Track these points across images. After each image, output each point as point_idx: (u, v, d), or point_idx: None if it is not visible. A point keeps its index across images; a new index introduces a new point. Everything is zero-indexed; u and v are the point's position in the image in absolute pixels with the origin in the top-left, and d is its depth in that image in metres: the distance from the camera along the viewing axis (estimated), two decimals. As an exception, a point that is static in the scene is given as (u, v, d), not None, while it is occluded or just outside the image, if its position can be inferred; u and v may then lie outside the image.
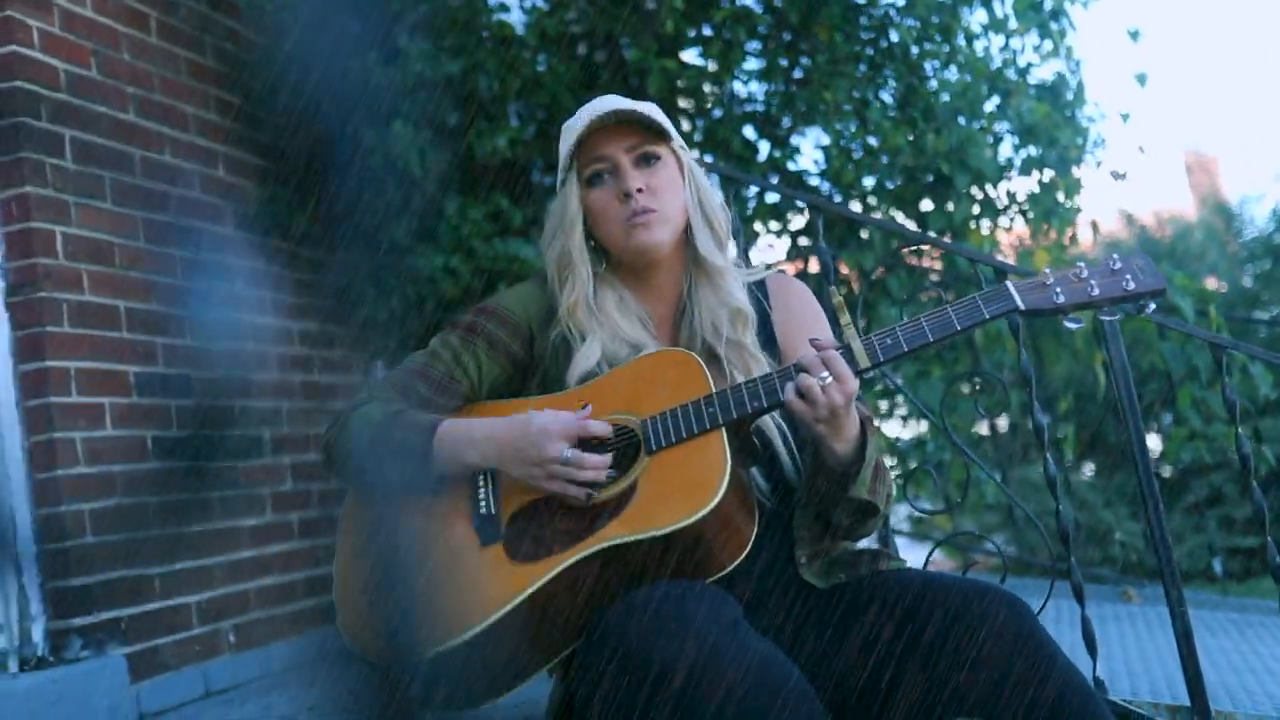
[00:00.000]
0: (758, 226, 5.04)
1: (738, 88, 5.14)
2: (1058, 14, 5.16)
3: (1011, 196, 5.11)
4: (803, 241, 5.09)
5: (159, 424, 3.66)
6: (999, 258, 4.58)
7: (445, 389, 2.23)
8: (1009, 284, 2.03)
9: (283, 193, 4.37)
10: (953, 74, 4.97)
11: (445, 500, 2.15)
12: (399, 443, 2.11)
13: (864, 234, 4.84)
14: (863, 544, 2.34)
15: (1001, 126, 5.06)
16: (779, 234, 5.14)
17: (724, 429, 2.04)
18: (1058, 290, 2.02)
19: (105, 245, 3.56)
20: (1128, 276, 2.02)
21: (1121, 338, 2.98)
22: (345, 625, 2.11)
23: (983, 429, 7.59)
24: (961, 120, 4.80)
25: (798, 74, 4.88)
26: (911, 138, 4.75)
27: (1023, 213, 5.09)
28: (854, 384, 1.99)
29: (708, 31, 4.80)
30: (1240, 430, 3.00)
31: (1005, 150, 5.15)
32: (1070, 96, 5.17)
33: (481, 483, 2.14)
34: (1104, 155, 5.49)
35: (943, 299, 3.34)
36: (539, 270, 2.37)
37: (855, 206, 4.93)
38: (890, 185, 4.85)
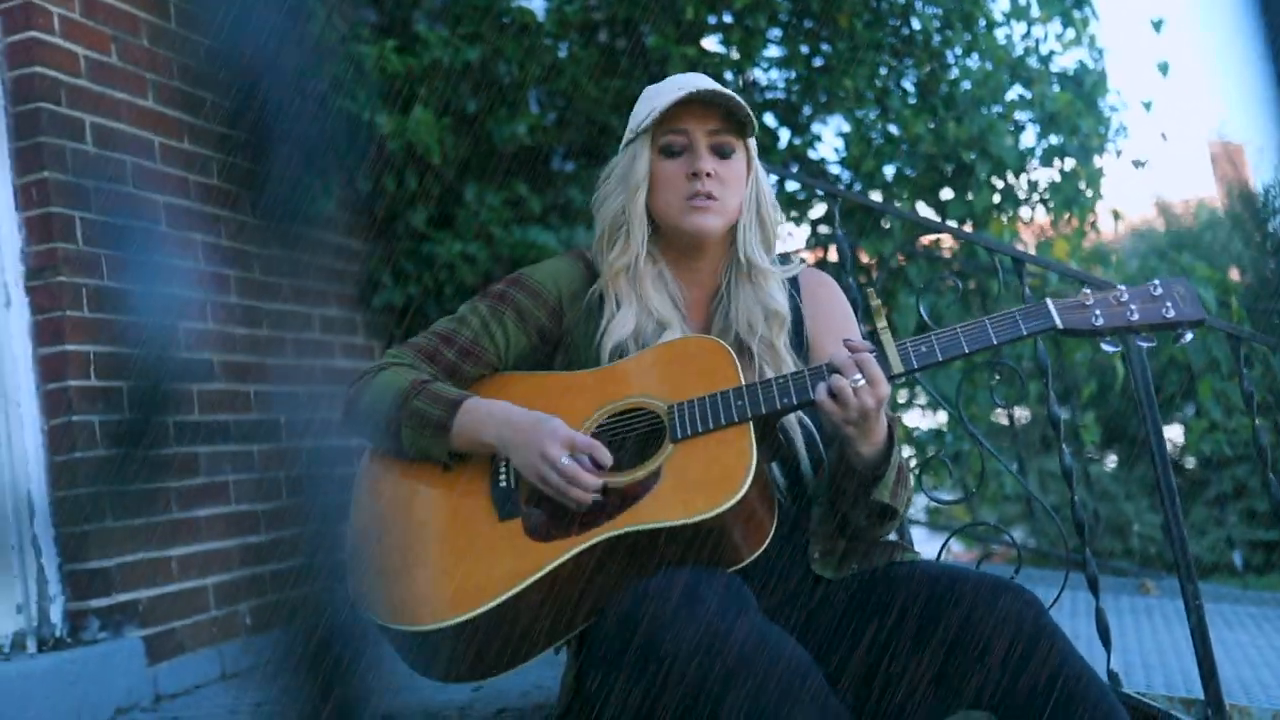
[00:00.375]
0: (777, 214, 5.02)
1: (758, 75, 5.13)
2: (1081, 2, 5.13)
3: (1032, 185, 5.08)
4: (822, 230, 5.08)
5: (179, 409, 3.67)
6: (1019, 247, 4.56)
7: (471, 355, 2.23)
8: (1049, 302, 2.04)
9: (305, 177, 4.38)
10: (974, 62, 4.95)
11: (464, 472, 2.15)
12: (419, 412, 2.11)
13: (884, 223, 4.82)
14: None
15: (1023, 115, 5.04)
16: (798, 222, 5.13)
17: (751, 423, 2.03)
18: (1097, 312, 2.02)
19: (125, 230, 3.57)
20: (1168, 304, 2.02)
21: (1149, 367, 2.98)
22: (356, 587, 2.11)
23: (1001, 419, 7.55)
24: (983, 109, 4.78)
25: (818, 62, 4.86)
26: (932, 126, 4.73)
27: (1043, 201, 5.07)
28: (886, 388, 1.99)
29: (728, 19, 4.79)
30: (1260, 422, 2.98)
31: (1027, 139, 5.13)
32: (1092, 85, 5.13)
33: (502, 457, 2.15)
34: (1127, 144, 5.47)
35: (960, 287, 3.32)
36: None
37: (875, 195, 4.91)
38: (911, 174, 4.84)
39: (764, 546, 2.04)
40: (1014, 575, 2.42)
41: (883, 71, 4.86)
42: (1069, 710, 1.88)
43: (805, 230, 5.14)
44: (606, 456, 2.04)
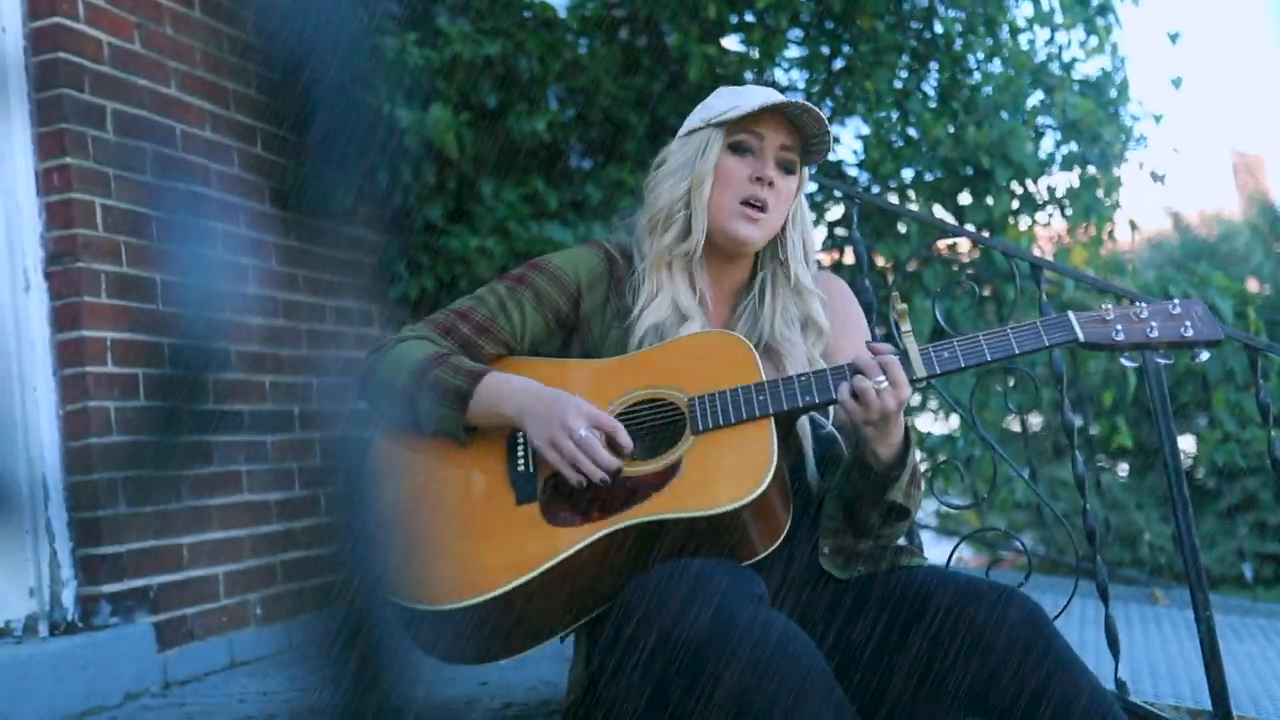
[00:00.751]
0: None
1: (778, 75, 5.13)
2: (1105, 10, 5.12)
3: (1051, 192, 5.07)
4: (839, 232, 5.08)
5: (194, 397, 3.68)
6: (1036, 253, 4.55)
7: (487, 332, 2.23)
8: (1070, 315, 2.07)
9: (321, 170, 4.39)
10: (996, 67, 4.95)
11: (482, 452, 2.16)
12: (440, 381, 2.11)
13: (901, 226, 4.82)
14: (887, 537, 2.34)
15: (1044, 121, 5.03)
16: (815, 223, 5.13)
17: (772, 419, 2.04)
18: (1118, 327, 2.06)
19: (144, 218, 3.59)
20: (1187, 323, 2.06)
21: (1165, 380, 2.98)
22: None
23: (1014, 425, 7.54)
24: (1004, 114, 4.77)
25: (839, 63, 4.86)
26: (952, 130, 4.72)
27: (1061, 209, 5.06)
28: (908, 390, 2.01)
29: (750, 18, 4.79)
30: (1275, 434, 2.97)
31: (1046, 145, 5.12)
32: (1114, 93, 5.13)
33: (520, 438, 2.14)
34: (1146, 155, 5.49)
35: (976, 292, 3.32)
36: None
37: (893, 198, 4.91)
38: (929, 177, 4.83)
39: (778, 542, 2.04)
40: (1023, 582, 2.42)
41: (904, 74, 4.86)
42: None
43: (822, 232, 5.14)
44: (627, 440, 2.05)
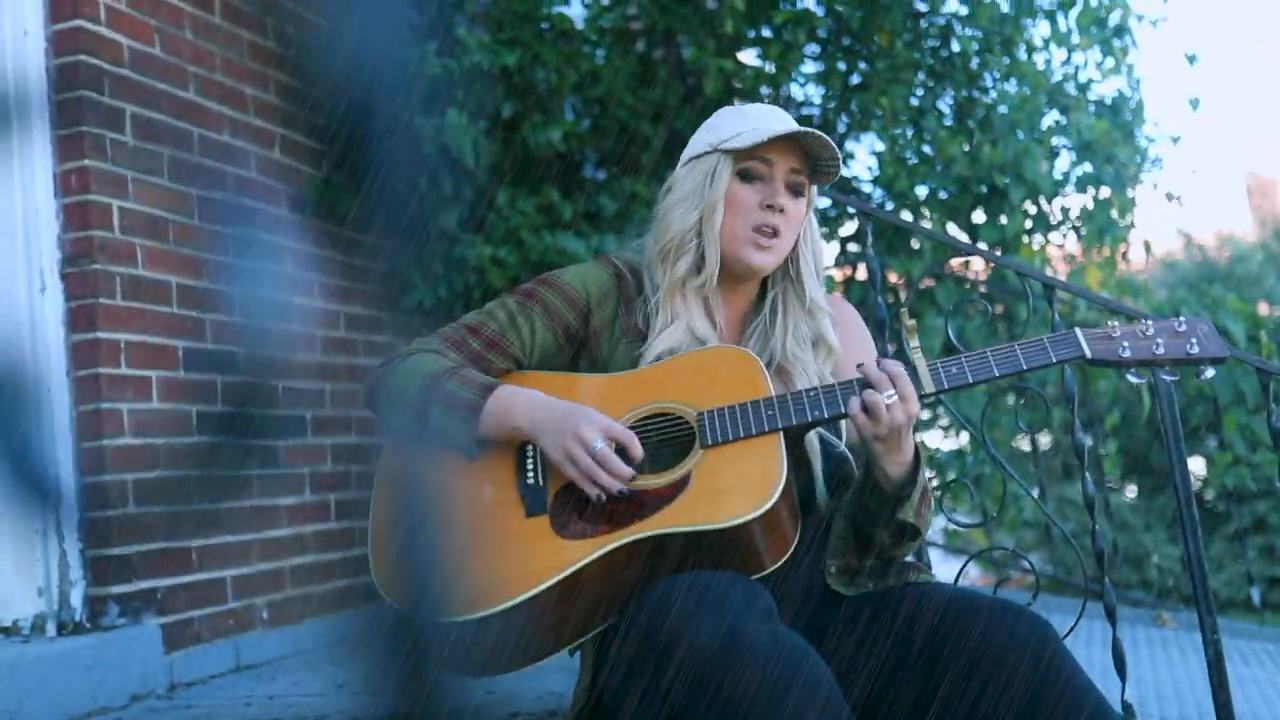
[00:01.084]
0: (808, 231, 5.03)
1: (794, 90, 5.14)
2: (1122, 31, 5.13)
3: (1065, 212, 5.07)
4: (852, 248, 5.09)
5: (204, 399, 3.70)
6: (1049, 273, 4.55)
7: (496, 347, 2.23)
8: (1077, 332, 2.08)
9: (336, 177, 4.41)
10: (1012, 86, 4.95)
11: (492, 465, 2.15)
12: (451, 394, 2.11)
13: (914, 243, 4.82)
14: (894, 554, 2.34)
15: (1059, 141, 5.03)
16: (828, 239, 5.13)
17: (781, 433, 2.04)
18: (1124, 344, 2.07)
19: (160, 221, 3.60)
20: (1192, 340, 2.08)
21: (1175, 399, 2.97)
22: (380, 575, 2.11)
23: (1024, 444, 7.53)
24: (1019, 133, 4.78)
25: (855, 79, 4.87)
26: (967, 148, 4.73)
27: (1075, 229, 5.06)
28: (917, 405, 2.01)
29: (767, 33, 4.80)
30: (1285, 459, 2.97)
31: (1061, 165, 5.13)
32: (1130, 115, 5.13)
33: (530, 452, 2.14)
34: (1161, 176, 5.49)
35: (989, 310, 3.32)
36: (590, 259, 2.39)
37: (906, 215, 4.91)
38: (943, 195, 4.84)
39: (786, 557, 2.05)
40: (1030, 602, 2.41)
41: (920, 92, 4.87)
42: None
43: (835, 248, 5.15)
44: (640, 450, 2.06)
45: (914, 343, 2.08)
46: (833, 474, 2.22)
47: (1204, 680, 2.92)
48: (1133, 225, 5.20)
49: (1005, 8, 4.86)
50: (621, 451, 2.05)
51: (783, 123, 2.26)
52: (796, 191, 2.24)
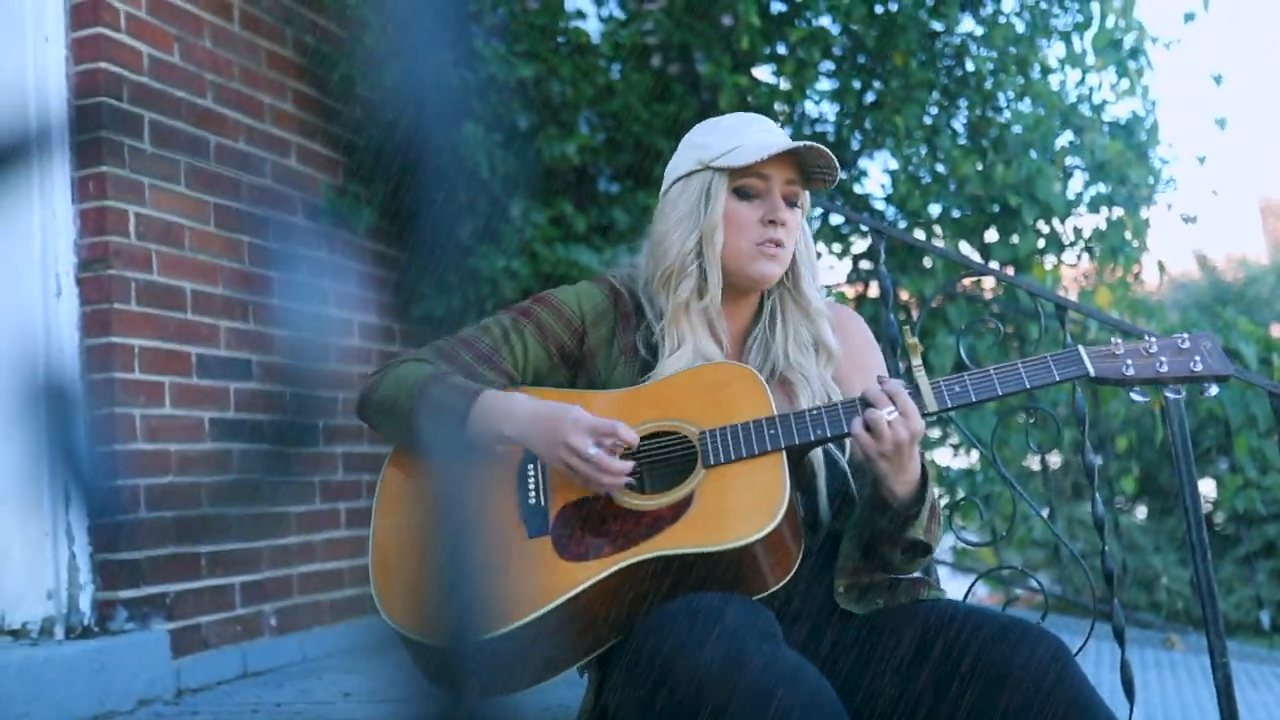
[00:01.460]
0: (820, 247, 5.03)
1: (809, 108, 5.15)
2: (1137, 53, 5.13)
3: (1078, 232, 5.07)
4: (864, 265, 5.09)
5: (217, 406, 3.72)
6: (1061, 293, 4.55)
7: (488, 361, 2.22)
8: (1081, 350, 2.07)
9: (352, 186, 4.43)
10: (1026, 106, 4.96)
11: (492, 485, 2.14)
12: (437, 400, 2.10)
13: (926, 262, 4.83)
14: (903, 571, 2.34)
15: (1072, 162, 5.03)
16: (840, 256, 5.14)
17: (784, 453, 2.04)
18: (1128, 362, 2.06)
19: (176, 227, 3.62)
20: (1196, 358, 2.06)
21: (1185, 415, 2.97)
22: (379, 596, 2.11)
23: (1033, 464, 7.52)
24: (1032, 153, 4.78)
25: (870, 97, 4.88)
26: (980, 167, 4.73)
27: (1088, 249, 5.06)
28: (920, 423, 2.00)
29: (782, 50, 4.81)
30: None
31: (1075, 185, 5.13)
32: (1144, 136, 5.13)
33: (531, 472, 2.14)
34: (1176, 197, 5.48)
35: (1001, 329, 3.32)
36: (598, 273, 2.38)
37: (919, 233, 4.92)
38: (956, 214, 4.84)
39: (789, 576, 2.04)
40: (1039, 621, 2.41)
41: (934, 110, 4.87)
42: None
43: (846, 265, 5.15)
44: (631, 436, 2.05)
45: (916, 361, 2.07)
46: (837, 492, 2.21)
47: (1212, 704, 2.91)
48: (1145, 247, 5.19)
49: (1021, 28, 4.87)
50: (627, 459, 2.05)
51: (772, 135, 2.25)
52: (792, 203, 2.23)
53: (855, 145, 4.97)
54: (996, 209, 4.81)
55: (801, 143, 2.20)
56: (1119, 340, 2.10)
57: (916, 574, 2.24)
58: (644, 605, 1.97)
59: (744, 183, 2.21)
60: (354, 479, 4.31)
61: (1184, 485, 2.93)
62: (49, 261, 3.33)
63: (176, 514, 3.49)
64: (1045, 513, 6.39)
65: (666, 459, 2.11)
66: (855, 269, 5.14)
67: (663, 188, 2.32)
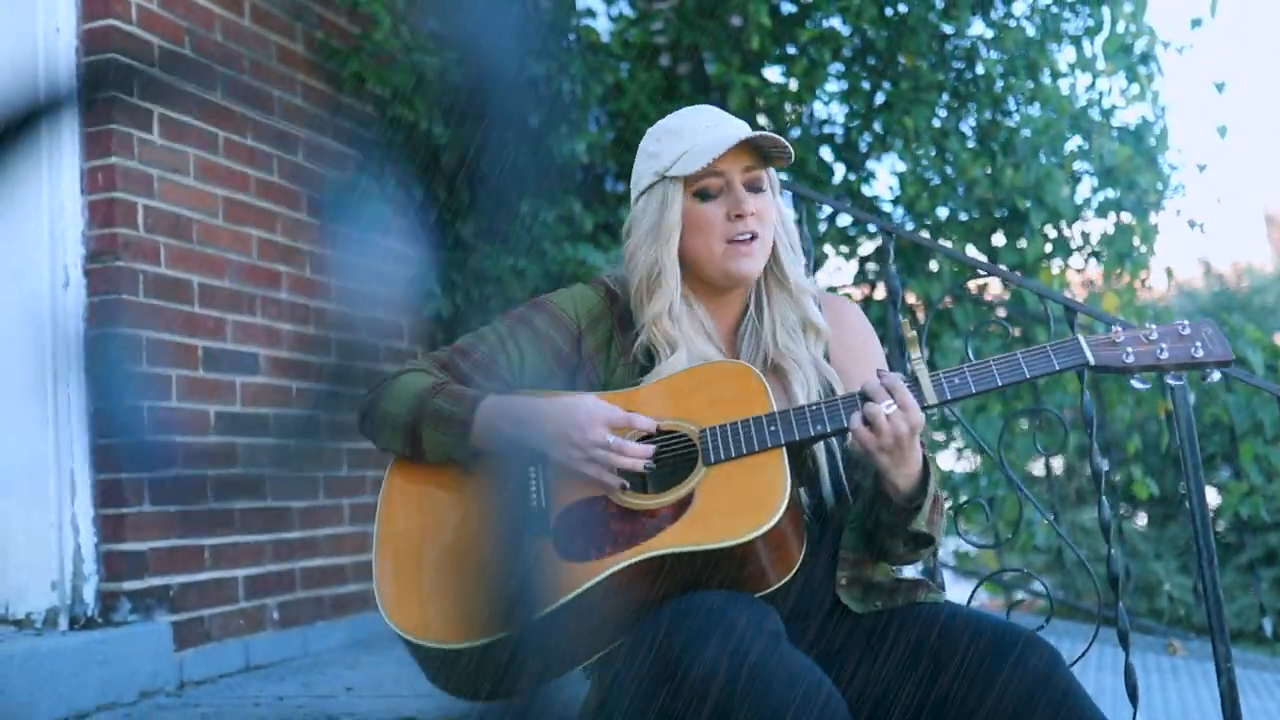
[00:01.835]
0: (827, 249, 5.04)
1: (818, 108, 5.15)
2: (1147, 58, 5.12)
3: (1086, 237, 5.07)
4: (870, 267, 5.09)
5: (222, 399, 3.72)
6: (1068, 296, 4.54)
7: (484, 368, 2.21)
8: (1080, 338, 2.05)
9: (361, 181, 4.43)
10: (1036, 110, 4.96)
11: (498, 488, 2.15)
12: (440, 410, 2.10)
13: (933, 264, 4.82)
14: (905, 572, 2.33)
15: (1081, 166, 5.03)
16: (848, 257, 5.14)
17: (784, 449, 2.04)
18: (1128, 349, 2.04)
19: (184, 220, 3.62)
20: (1197, 344, 2.04)
21: (1190, 397, 2.96)
22: (382, 599, 2.10)
23: (1037, 468, 7.51)
24: (1041, 157, 4.78)
25: (879, 99, 4.87)
26: (989, 170, 4.73)
27: (1096, 254, 5.05)
28: (920, 415, 1.99)
29: (792, 50, 4.81)
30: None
31: (1083, 190, 5.12)
32: (1153, 141, 5.12)
33: (532, 474, 2.14)
34: (1183, 203, 5.47)
35: (1008, 332, 3.31)
36: (598, 274, 2.37)
37: (926, 235, 4.92)
38: (964, 217, 4.84)
39: (791, 573, 2.04)
40: (1043, 625, 2.40)
41: (943, 113, 4.87)
42: None
43: (853, 266, 5.15)
44: (647, 422, 2.05)
45: (914, 354, 2.07)
46: (839, 486, 2.20)
47: (1215, 709, 2.91)
48: (1153, 253, 5.18)
49: (1031, 32, 4.87)
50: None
51: (720, 128, 2.22)
52: (756, 188, 2.20)
53: (864, 147, 4.97)
54: (1004, 212, 4.81)
55: (745, 134, 2.17)
56: (1119, 328, 2.09)
57: (917, 576, 2.24)
58: (646, 605, 1.97)
59: (702, 185, 2.18)
60: (358, 475, 4.31)
61: (1192, 494, 2.92)
62: (57, 252, 3.33)
63: (180, 509, 3.49)
64: (1050, 517, 6.38)
65: (668, 458, 2.11)
66: (861, 270, 5.13)
67: (631, 199, 2.30)
